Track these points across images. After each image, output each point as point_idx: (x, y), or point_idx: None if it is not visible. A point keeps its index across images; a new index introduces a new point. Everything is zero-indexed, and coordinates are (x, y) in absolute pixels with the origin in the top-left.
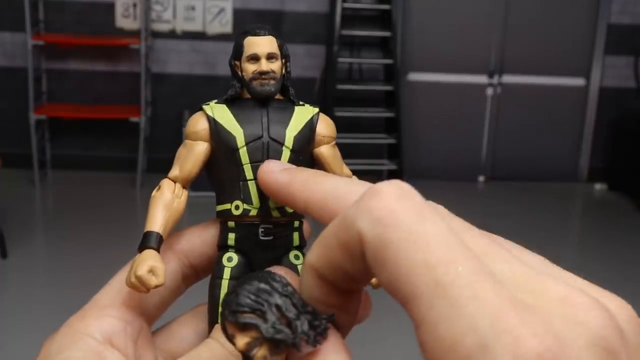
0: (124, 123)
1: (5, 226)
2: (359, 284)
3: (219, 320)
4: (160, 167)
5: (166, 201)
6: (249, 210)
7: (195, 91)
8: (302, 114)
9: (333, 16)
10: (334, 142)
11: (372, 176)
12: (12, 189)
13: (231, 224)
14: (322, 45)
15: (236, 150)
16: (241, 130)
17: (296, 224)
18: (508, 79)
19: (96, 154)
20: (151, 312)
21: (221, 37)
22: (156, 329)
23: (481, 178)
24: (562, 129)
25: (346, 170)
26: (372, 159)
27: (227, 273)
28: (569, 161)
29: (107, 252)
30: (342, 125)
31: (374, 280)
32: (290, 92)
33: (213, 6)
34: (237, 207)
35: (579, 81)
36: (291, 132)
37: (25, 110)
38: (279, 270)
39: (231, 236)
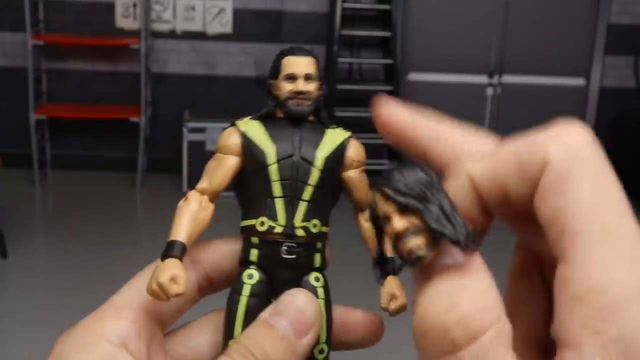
0: (124, 123)
1: (5, 226)
2: (506, 210)
3: (370, 192)
4: (160, 167)
5: (192, 212)
6: (274, 227)
7: (195, 91)
8: (334, 136)
9: (333, 16)
10: (363, 168)
11: None
12: (12, 189)
13: (255, 240)
14: (322, 45)
15: (266, 166)
16: (273, 147)
17: (319, 245)
18: (508, 79)
19: (96, 154)
20: (166, 319)
21: (221, 37)
22: (168, 332)
23: None
24: None
25: None
26: (372, 159)
27: (246, 290)
28: None
29: (107, 252)
30: (342, 125)
31: (392, 306)
32: (322, 114)
33: (213, 6)
34: (262, 224)
35: (579, 81)
36: (322, 153)
37: (25, 110)
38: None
39: (254, 252)
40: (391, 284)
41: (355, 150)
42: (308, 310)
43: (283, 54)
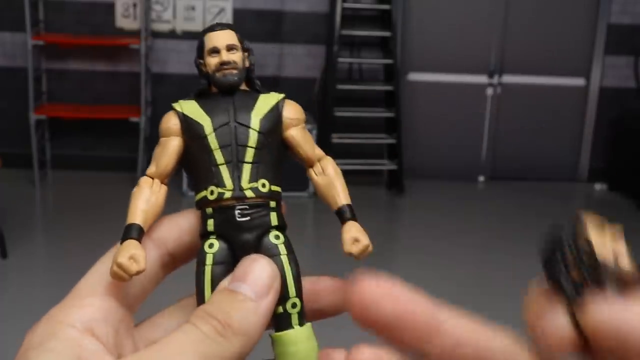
0: (124, 123)
1: (5, 226)
2: None
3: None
4: None
5: (145, 196)
6: (224, 194)
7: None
8: (267, 99)
9: (333, 16)
10: (303, 125)
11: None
12: (12, 189)
13: (209, 210)
14: (322, 45)
15: (205, 137)
16: (209, 119)
17: (272, 204)
18: (508, 79)
19: (96, 154)
20: (132, 301)
21: None
22: (140, 322)
23: (481, 178)
24: (562, 129)
25: (318, 151)
26: (372, 159)
27: (209, 259)
28: (569, 161)
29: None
30: (342, 125)
31: (355, 248)
32: (255, 83)
33: (213, 6)
34: (212, 192)
35: (579, 81)
36: (257, 116)
37: (25, 110)
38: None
39: (210, 222)
40: (352, 228)
41: (291, 109)
42: (265, 272)
43: (203, 33)
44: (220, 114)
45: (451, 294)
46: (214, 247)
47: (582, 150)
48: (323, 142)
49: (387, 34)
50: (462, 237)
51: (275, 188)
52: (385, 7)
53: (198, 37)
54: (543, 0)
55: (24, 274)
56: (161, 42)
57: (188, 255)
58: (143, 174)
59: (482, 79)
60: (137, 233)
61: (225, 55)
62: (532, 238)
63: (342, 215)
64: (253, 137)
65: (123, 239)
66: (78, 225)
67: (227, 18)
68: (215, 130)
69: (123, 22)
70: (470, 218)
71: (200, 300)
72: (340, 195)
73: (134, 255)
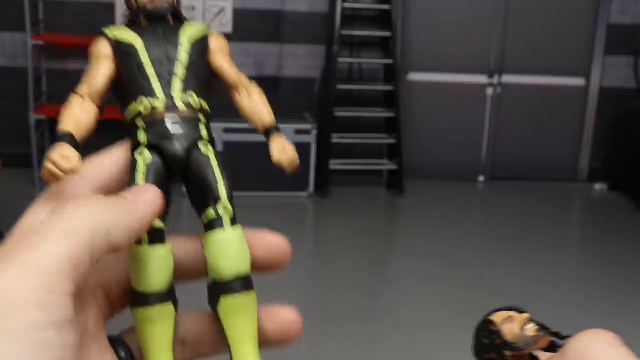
0: (124, 123)
1: (5, 226)
2: None
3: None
4: None
5: (76, 111)
6: (155, 105)
7: None
8: (195, 26)
9: (333, 16)
10: (229, 54)
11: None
12: (12, 189)
13: (140, 122)
14: (322, 45)
15: (136, 52)
16: (140, 39)
17: (202, 118)
18: (508, 79)
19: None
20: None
21: None
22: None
23: (481, 178)
24: (562, 128)
25: (243, 78)
26: (372, 159)
27: (141, 164)
28: (569, 161)
29: None
30: (342, 125)
31: (283, 157)
32: (182, 16)
33: (213, 6)
34: (143, 105)
35: (579, 81)
36: (185, 37)
37: (25, 110)
38: None
39: (141, 134)
40: (279, 139)
41: (217, 39)
42: (147, 188)
43: None
44: (151, 35)
45: (451, 294)
46: (144, 155)
47: (582, 150)
48: (323, 142)
49: (387, 34)
50: (462, 237)
51: (204, 104)
52: (385, 7)
53: None
54: (543, 0)
55: None
56: None
57: (121, 191)
58: None
59: (482, 79)
60: (68, 138)
61: None
62: (532, 238)
63: (269, 132)
64: (183, 55)
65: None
66: None
67: (227, 18)
68: (146, 47)
69: (123, 22)
70: (470, 218)
71: None
72: (266, 116)
73: (66, 154)
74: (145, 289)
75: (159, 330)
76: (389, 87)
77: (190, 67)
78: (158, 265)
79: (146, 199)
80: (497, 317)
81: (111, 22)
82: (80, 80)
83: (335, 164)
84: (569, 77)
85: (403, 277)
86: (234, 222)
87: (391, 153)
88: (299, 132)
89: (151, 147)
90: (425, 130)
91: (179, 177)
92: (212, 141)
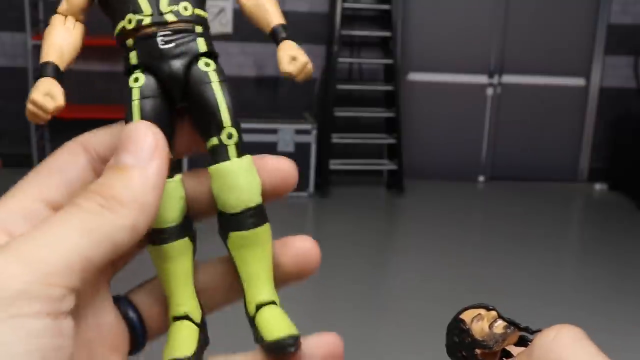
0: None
1: None
2: None
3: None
4: None
5: (59, 34)
6: (142, 20)
7: None
8: None
9: (333, 16)
10: None
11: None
12: None
13: (129, 42)
14: (322, 45)
15: None
16: None
17: (198, 29)
18: (508, 79)
19: None
20: (58, 204)
21: (221, 37)
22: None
23: (481, 178)
24: (562, 129)
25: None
26: (372, 159)
27: (136, 94)
28: (569, 161)
29: None
30: (342, 125)
31: (292, 67)
32: None
33: (213, 6)
34: (129, 21)
35: (579, 81)
36: None
37: (25, 111)
38: None
39: (132, 55)
40: (288, 45)
41: None
42: (146, 136)
43: None
44: None
45: (451, 294)
46: (139, 80)
47: (582, 150)
48: (323, 142)
49: (387, 34)
50: (462, 237)
51: (199, 12)
52: (385, 7)
53: None
54: (543, 0)
55: None
56: None
57: None
58: None
59: (482, 79)
60: (53, 71)
61: None
62: (532, 238)
63: (276, 35)
64: None
65: (37, 79)
66: None
67: (228, 18)
68: None
69: None
70: (470, 218)
71: None
72: (273, 15)
73: (50, 92)
74: (159, 225)
75: (180, 266)
76: (389, 87)
77: None
78: (169, 200)
79: (152, 180)
80: (467, 316)
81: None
82: (77, 79)
83: (335, 164)
84: (569, 77)
85: (403, 277)
86: (240, 149)
87: (391, 153)
88: (299, 132)
89: (145, 68)
90: (425, 130)
91: (179, 98)
92: (212, 55)
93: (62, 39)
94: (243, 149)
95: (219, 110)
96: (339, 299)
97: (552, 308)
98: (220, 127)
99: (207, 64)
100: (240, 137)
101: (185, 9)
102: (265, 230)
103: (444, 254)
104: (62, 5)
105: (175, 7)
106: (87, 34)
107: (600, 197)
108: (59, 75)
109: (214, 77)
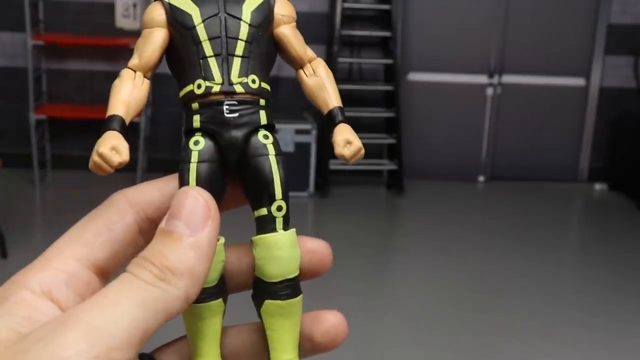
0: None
1: (5, 226)
2: None
3: None
4: (161, 167)
5: (127, 89)
6: (212, 87)
7: None
8: None
9: (333, 16)
10: (294, 24)
11: None
12: (12, 189)
13: (195, 105)
14: (322, 45)
15: (193, 27)
16: (197, 9)
17: (262, 102)
18: (508, 79)
19: None
20: (102, 264)
21: None
22: None
23: (481, 178)
24: (562, 129)
25: (309, 52)
26: (372, 159)
27: (194, 156)
28: (569, 161)
29: None
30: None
31: (347, 151)
32: None
33: None
34: (199, 86)
35: (579, 81)
36: (248, 8)
37: (25, 110)
38: None
39: (196, 118)
40: (344, 130)
41: (283, 5)
42: (198, 203)
43: None
44: (210, 5)
45: (451, 294)
46: (199, 144)
47: (582, 150)
48: (323, 142)
49: (387, 34)
50: (462, 237)
51: (265, 85)
52: (385, 7)
53: None
54: (543, 0)
55: None
56: None
57: None
58: (143, 173)
59: (482, 79)
60: (119, 125)
61: None
62: (532, 238)
63: (333, 118)
64: (244, 30)
65: (103, 131)
66: None
67: None
68: (204, 20)
69: (123, 22)
70: (470, 218)
71: None
72: (332, 97)
73: (115, 146)
74: None
75: (211, 325)
76: (389, 87)
77: (252, 44)
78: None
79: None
80: None
81: (111, 22)
82: (77, 79)
83: (335, 164)
84: (569, 77)
85: (403, 277)
86: (287, 222)
87: (391, 153)
88: (299, 132)
89: (205, 132)
90: (425, 130)
91: (234, 165)
92: (271, 127)
93: (130, 95)
94: (289, 222)
95: (272, 183)
96: (339, 298)
97: (552, 308)
98: (272, 199)
99: (266, 137)
100: (288, 210)
101: (253, 81)
102: (299, 301)
103: (444, 253)
104: (133, 60)
105: (244, 80)
106: (88, 34)
107: (600, 197)
108: (124, 129)
109: (271, 150)
